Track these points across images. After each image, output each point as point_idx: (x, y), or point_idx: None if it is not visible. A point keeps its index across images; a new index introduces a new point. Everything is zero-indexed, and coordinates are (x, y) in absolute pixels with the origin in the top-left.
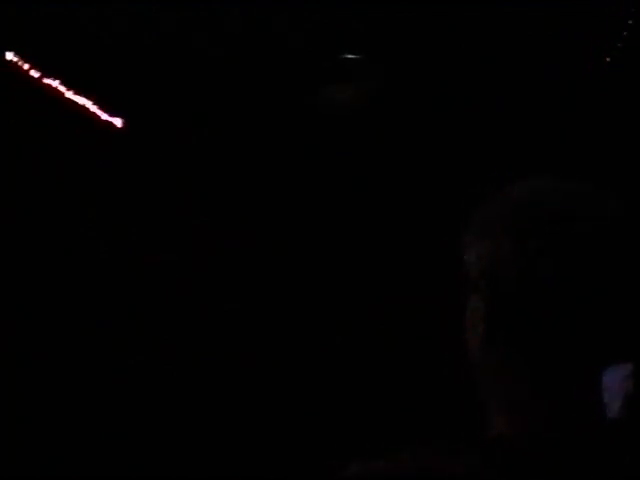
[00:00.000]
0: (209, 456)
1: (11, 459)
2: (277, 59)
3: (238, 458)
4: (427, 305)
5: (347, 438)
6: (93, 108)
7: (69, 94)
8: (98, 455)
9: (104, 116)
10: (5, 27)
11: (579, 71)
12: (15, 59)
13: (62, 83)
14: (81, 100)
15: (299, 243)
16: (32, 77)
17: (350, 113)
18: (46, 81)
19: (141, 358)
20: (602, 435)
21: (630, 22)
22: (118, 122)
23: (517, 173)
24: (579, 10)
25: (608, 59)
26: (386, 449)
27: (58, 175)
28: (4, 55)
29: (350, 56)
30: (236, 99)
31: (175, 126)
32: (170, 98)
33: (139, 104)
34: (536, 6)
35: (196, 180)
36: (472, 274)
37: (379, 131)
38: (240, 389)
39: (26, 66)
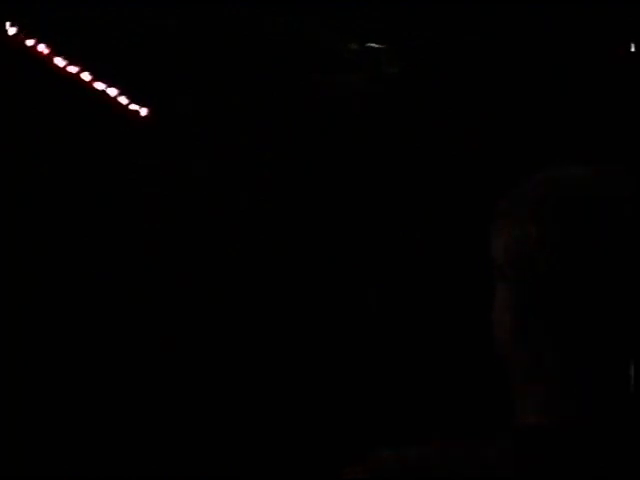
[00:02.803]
0: (209, 456)
1: (11, 459)
2: (293, 51)
3: (238, 458)
4: (428, 304)
5: (347, 438)
6: (119, 97)
7: (95, 83)
8: (98, 455)
9: (130, 105)
10: (32, 17)
11: (597, 62)
12: (41, 48)
13: (88, 72)
14: (107, 89)
15: (314, 238)
16: (57, 66)
17: (352, 106)
18: (71, 70)
19: (141, 358)
20: (634, 428)
21: None
22: (143, 111)
23: (529, 168)
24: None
25: (633, 48)
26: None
27: (84, 164)
28: (30, 44)
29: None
30: (259, 88)
31: (200, 115)
32: (195, 87)
33: (164, 94)
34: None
35: (220, 170)
36: (499, 262)
37: (382, 126)
38: (240, 389)
39: (52, 55)
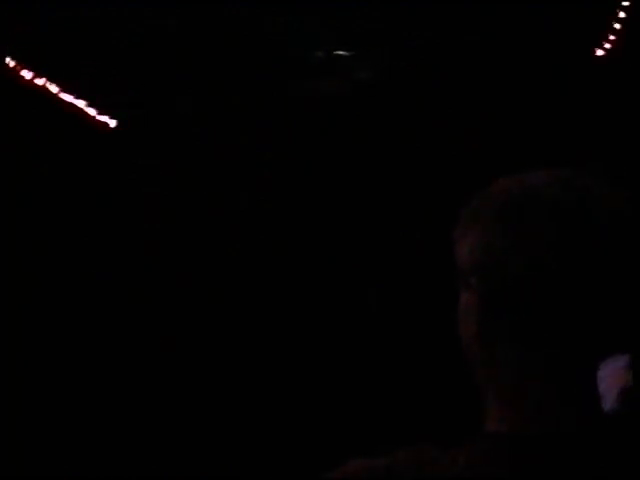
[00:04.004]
0: (209, 456)
1: (11, 459)
2: (268, 56)
3: (238, 458)
4: (428, 304)
5: (346, 437)
6: (87, 109)
7: (63, 95)
8: (98, 455)
9: (98, 117)
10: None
11: (571, 63)
12: (9, 61)
13: (56, 84)
14: (75, 101)
15: (293, 242)
16: (25, 78)
17: (338, 107)
18: (39, 82)
19: (141, 358)
20: (603, 430)
21: (621, 12)
22: (112, 123)
23: (507, 169)
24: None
25: (599, 51)
26: (384, 448)
27: (52, 174)
28: None
29: (341, 52)
30: (229, 98)
31: (169, 126)
32: (164, 98)
33: (133, 105)
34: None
35: (190, 178)
36: (463, 269)
37: (381, 126)
38: (239, 389)
39: (20, 68)
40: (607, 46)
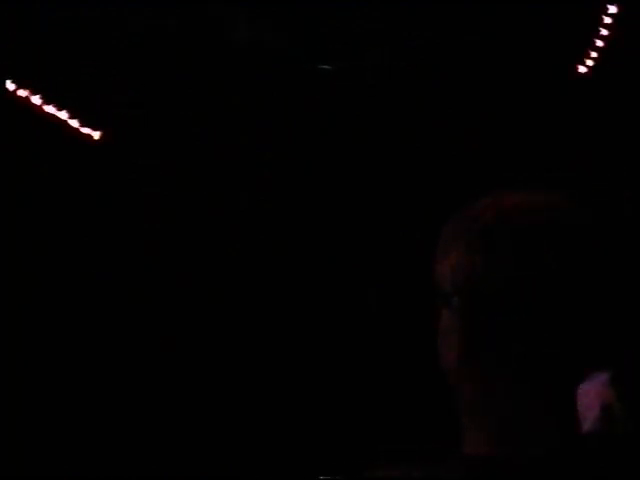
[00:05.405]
0: (208, 456)
1: (11, 459)
2: (268, 56)
3: (238, 458)
4: (428, 304)
5: (346, 437)
6: (70, 120)
7: (46, 107)
8: (98, 455)
9: (81, 129)
10: None
11: (558, 73)
12: None
13: (38, 96)
14: (57, 112)
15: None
16: (7, 90)
17: (338, 107)
18: (21, 94)
19: (141, 358)
20: (585, 448)
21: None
22: (96, 134)
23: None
24: (558, 9)
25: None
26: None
27: (36, 187)
28: None
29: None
30: (215, 110)
31: (153, 138)
32: (148, 109)
33: (116, 116)
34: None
35: (175, 191)
36: (444, 289)
37: (382, 125)
38: (240, 389)
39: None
40: (589, 63)
